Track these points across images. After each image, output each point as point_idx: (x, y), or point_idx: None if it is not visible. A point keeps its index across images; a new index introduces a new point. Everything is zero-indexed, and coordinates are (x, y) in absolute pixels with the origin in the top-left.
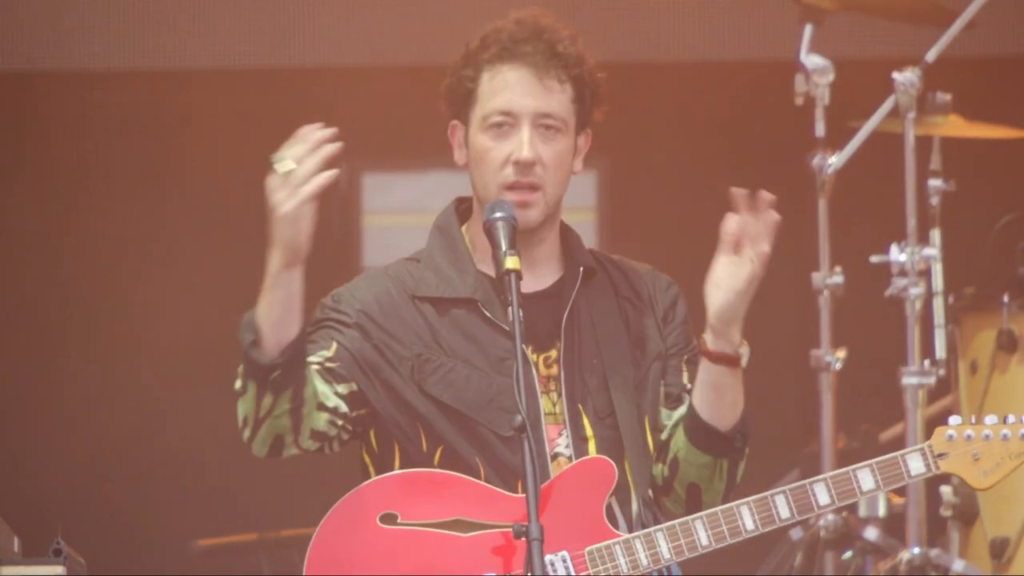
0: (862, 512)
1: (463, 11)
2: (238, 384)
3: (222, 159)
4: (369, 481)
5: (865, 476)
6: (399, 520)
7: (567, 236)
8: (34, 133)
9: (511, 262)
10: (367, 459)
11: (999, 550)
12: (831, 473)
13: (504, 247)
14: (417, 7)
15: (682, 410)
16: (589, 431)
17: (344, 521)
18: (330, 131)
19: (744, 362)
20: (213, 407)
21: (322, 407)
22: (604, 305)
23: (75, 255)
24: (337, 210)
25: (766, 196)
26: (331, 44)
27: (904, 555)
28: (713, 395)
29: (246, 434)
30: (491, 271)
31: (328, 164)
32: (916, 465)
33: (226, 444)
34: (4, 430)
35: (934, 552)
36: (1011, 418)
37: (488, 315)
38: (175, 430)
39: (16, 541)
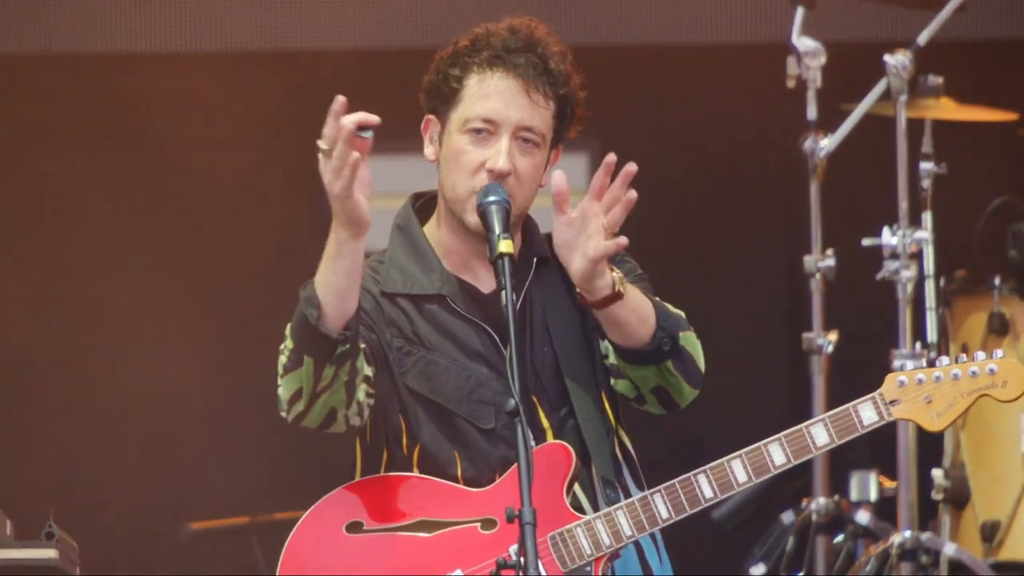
0: (854, 496)
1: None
2: (284, 360)
3: (208, 141)
4: (332, 492)
5: (818, 431)
6: (364, 527)
7: (526, 226)
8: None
9: (504, 246)
10: (358, 450)
11: (990, 533)
12: (784, 432)
13: (498, 230)
14: None
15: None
16: (545, 422)
17: (311, 534)
18: (342, 103)
19: (620, 287)
20: (206, 391)
21: (364, 378)
22: (555, 292)
23: (59, 238)
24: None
25: (629, 168)
26: (308, 28)
27: (895, 538)
28: (619, 329)
29: (298, 407)
30: (456, 270)
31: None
32: (868, 415)
33: (219, 427)
34: None
35: (925, 535)
36: (962, 357)
37: (458, 309)
38: (168, 414)
39: (9, 524)
